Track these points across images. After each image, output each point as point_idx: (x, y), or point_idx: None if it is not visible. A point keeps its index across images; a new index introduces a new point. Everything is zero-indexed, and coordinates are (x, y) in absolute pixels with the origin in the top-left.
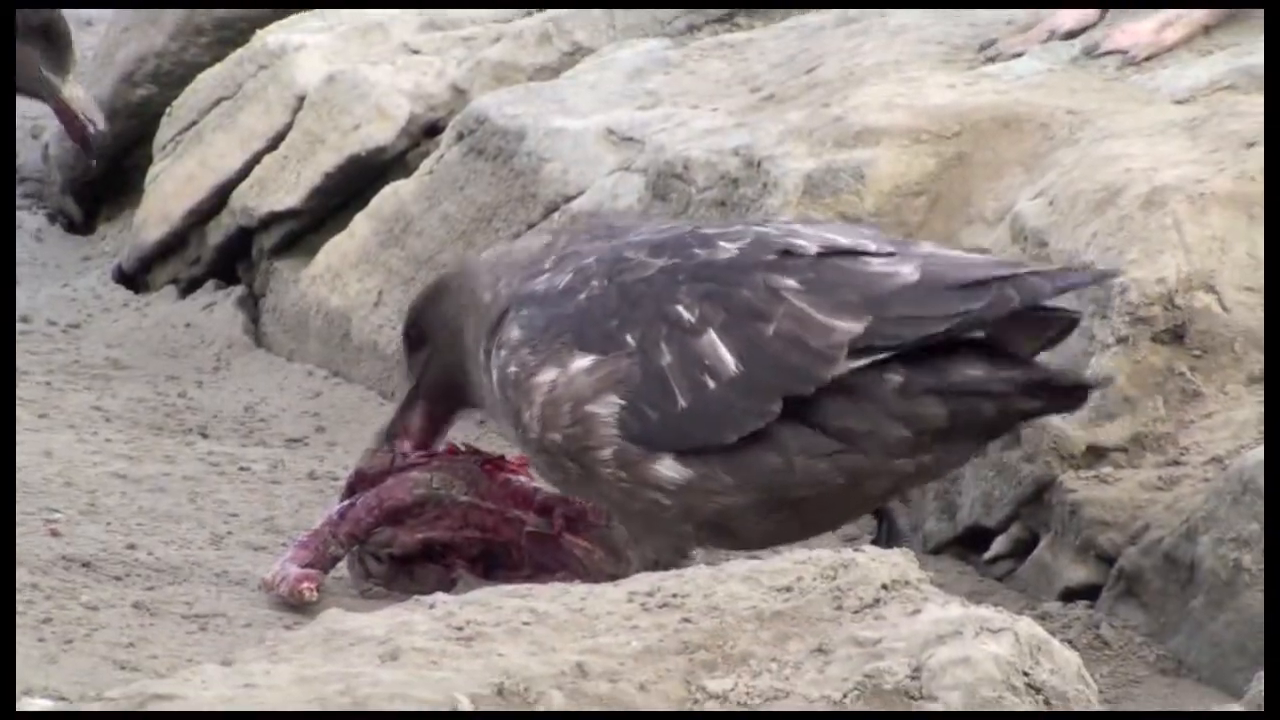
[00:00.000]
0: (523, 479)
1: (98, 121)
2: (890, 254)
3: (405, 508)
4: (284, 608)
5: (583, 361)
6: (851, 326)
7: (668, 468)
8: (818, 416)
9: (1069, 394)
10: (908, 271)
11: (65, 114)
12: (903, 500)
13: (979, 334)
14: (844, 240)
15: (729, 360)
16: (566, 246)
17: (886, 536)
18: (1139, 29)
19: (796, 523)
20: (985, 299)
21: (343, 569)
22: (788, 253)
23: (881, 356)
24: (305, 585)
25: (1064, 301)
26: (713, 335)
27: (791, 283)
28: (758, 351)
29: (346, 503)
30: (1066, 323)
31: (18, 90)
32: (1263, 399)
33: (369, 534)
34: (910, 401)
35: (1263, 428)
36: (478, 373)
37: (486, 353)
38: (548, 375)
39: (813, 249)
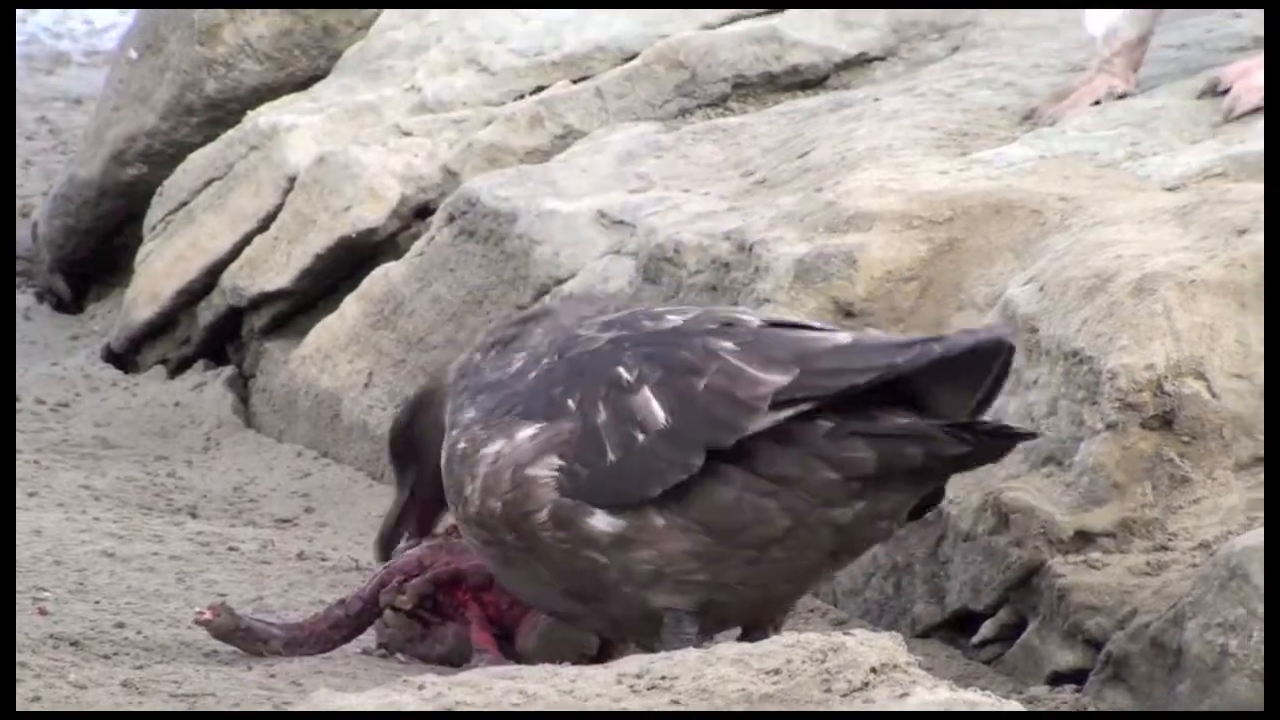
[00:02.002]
0: None
1: None
2: (832, 329)
3: (415, 562)
4: (274, 687)
5: (527, 430)
6: (778, 379)
7: (600, 521)
8: (753, 463)
9: (995, 441)
10: (842, 337)
11: None
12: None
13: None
14: (789, 317)
15: (659, 414)
16: (539, 343)
17: None
18: (1255, 83)
19: (746, 582)
20: (909, 354)
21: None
22: (730, 324)
23: (805, 408)
24: (205, 612)
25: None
26: (647, 392)
27: (730, 345)
28: (687, 404)
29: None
30: (993, 380)
31: None
32: (1254, 485)
33: (377, 592)
34: (838, 445)
35: (1253, 512)
36: None
37: None
38: (494, 447)
39: (755, 322)
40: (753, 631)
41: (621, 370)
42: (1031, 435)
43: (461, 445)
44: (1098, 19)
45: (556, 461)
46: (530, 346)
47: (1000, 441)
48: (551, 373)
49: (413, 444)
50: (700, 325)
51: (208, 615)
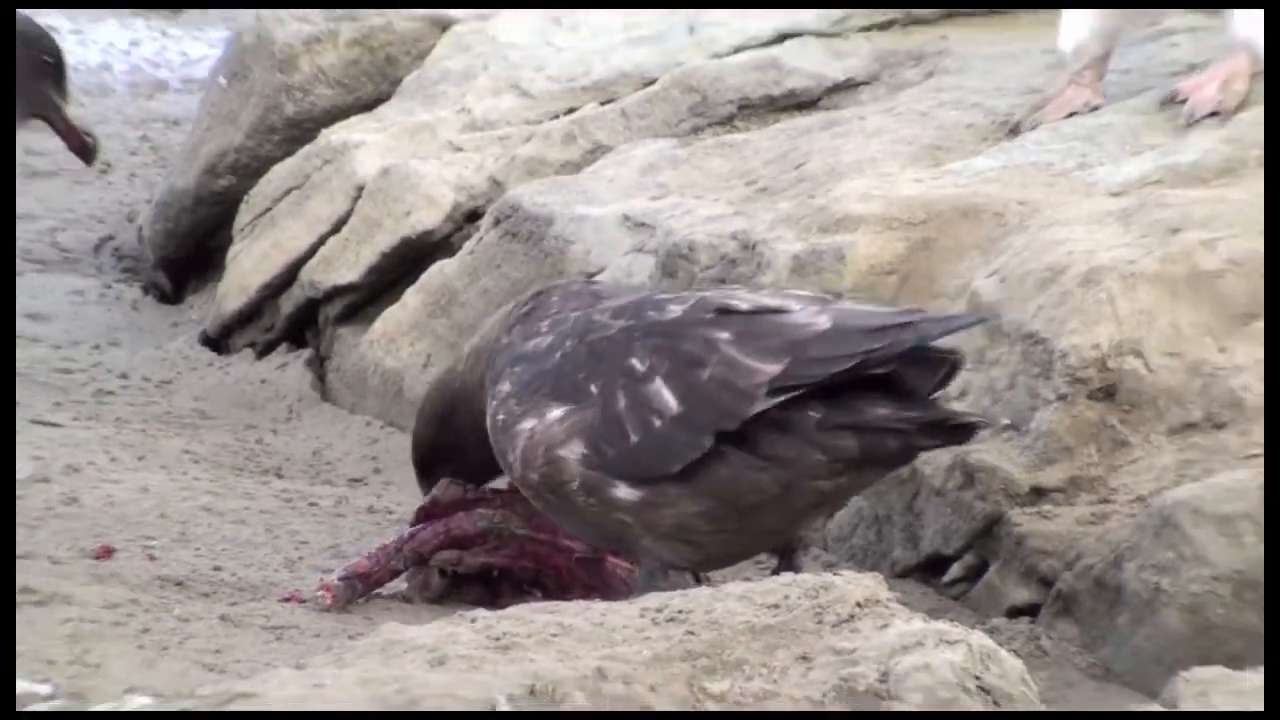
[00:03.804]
0: None
1: (94, 134)
2: (811, 309)
3: (469, 536)
4: (349, 621)
5: (556, 411)
6: (772, 368)
7: (623, 491)
8: (754, 445)
9: (959, 432)
10: (822, 321)
11: (70, 131)
12: (829, 516)
13: (883, 371)
14: (773, 301)
15: (671, 402)
16: (559, 311)
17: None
18: (1209, 94)
19: (744, 534)
20: (884, 340)
21: (392, 584)
22: (724, 311)
23: (797, 393)
24: (321, 592)
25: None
26: (659, 382)
27: (725, 335)
28: (695, 393)
29: (417, 527)
30: (952, 363)
31: (31, 116)
32: (1183, 447)
33: (432, 554)
34: (827, 434)
35: (1183, 471)
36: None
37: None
38: (528, 424)
39: (745, 308)
40: (784, 554)
41: (635, 362)
42: (989, 425)
43: (501, 417)
44: (1069, 35)
45: (582, 446)
46: (552, 316)
47: (964, 432)
48: (575, 356)
49: (444, 450)
50: (698, 315)
51: (328, 599)
